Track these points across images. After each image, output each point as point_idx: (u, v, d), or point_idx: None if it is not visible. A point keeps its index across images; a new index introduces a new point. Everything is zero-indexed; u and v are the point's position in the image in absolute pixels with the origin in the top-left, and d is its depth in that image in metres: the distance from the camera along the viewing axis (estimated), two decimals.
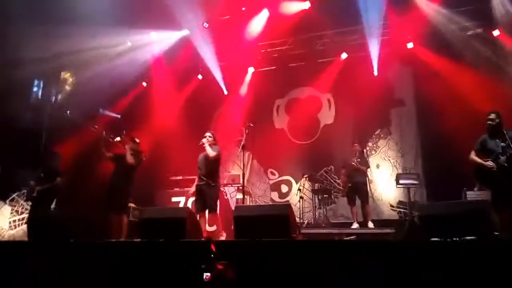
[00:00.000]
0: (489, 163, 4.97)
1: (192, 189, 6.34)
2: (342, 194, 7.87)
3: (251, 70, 10.13)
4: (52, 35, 7.41)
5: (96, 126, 6.57)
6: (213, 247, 3.07)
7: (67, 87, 9.49)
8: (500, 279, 3.12)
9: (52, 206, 6.69)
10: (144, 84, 10.01)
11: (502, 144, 4.92)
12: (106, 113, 9.37)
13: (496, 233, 3.68)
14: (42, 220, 5.34)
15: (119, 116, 9.60)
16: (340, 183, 8.90)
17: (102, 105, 9.16)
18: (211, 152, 6.14)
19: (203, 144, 6.19)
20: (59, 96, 9.22)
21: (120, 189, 6.23)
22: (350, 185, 7.56)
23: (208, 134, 6.35)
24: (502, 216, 4.50)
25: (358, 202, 7.59)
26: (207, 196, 5.95)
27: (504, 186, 4.84)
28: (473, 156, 5.21)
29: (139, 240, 4.67)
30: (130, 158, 6.21)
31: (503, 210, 4.60)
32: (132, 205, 7.54)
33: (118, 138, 6.39)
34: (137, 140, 6.55)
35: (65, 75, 9.57)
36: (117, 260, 4.11)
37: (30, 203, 6.71)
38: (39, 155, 8.17)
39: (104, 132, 6.46)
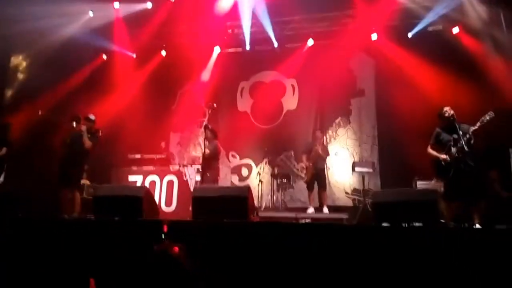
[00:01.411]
0: (443, 156, 5.21)
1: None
2: (305, 179, 8.00)
3: (217, 50, 9.96)
4: None
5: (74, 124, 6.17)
6: (165, 228, 3.03)
7: (20, 75, 8.73)
8: (444, 263, 3.32)
9: (1, 179, 6.37)
10: (105, 57, 9.59)
11: (454, 135, 5.18)
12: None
13: (442, 221, 3.89)
14: None
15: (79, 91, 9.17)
16: (300, 169, 9.07)
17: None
18: (207, 149, 6.77)
19: (205, 139, 6.82)
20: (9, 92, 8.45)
21: (74, 165, 6.02)
22: (313, 171, 7.70)
23: (207, 129, 6.89)
24: (452, 205, 4.76)
25: (315, 188, 7.78)
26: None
27: (455, 176, 5.10)
28: (429, 150, 5.45)
29: (92, 217, 4.55)
30: (87, 142, 6.03)
31: (453, 200, 4.87)
32: (86, 182, 7.33)
33: (74, 123, 6.11)
34: (92, 118, 6.29)
35: (16, 60, 8.85)
36: (68, 238, 3.99)
37: None
38: None
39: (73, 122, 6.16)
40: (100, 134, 6.33)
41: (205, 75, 9.91)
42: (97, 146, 6.36)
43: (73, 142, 6.10)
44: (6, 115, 7.64)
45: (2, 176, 6.55)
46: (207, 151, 6.74)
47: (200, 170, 6.91)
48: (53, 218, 4.94)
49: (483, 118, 5.04)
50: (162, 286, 2.10)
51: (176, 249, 2.20)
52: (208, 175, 6.75)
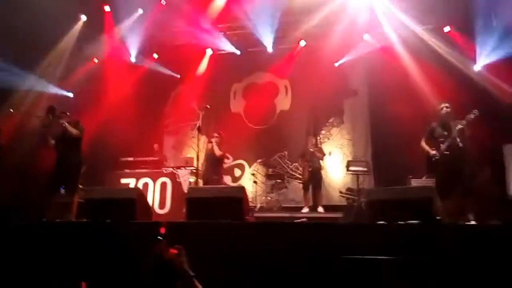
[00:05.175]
0: (433, 152, 5.23)
1: (192, 179, 7.49)
2: (302, 180, 8.05)
3: (209, 52, 9.92)
4: None
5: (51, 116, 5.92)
6: (162, 230, 2.99)
7: None
8: (440, 259, 3.31)
9: None
10: (96, 60, 9.50)
11: (445, 132, 5.21)
12: (54, 91, 8.85)
13: (438, 218, 3.89)
14: None
15: (70, 94, 9.09)
16: (294, 169, 9.08)
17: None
18: (217, 152, 7.04)
19: (212, 143, 7.10)
20: None
21: (68, 168, 5.84)
22: (310, 170, 7.71)
23: (215, 134, 7.25)
24: (445, 202, 4.77)
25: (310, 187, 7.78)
26: None
27: (445, 173, 5.12)
28: (422, 143, 5.48)
29: (84, 220, 4.48)
30: (73, 130, 5.69)
31: (446, 196, 4.88)
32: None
33: (50, 116, 5.83)
34: (67, 113, 5.96)
35: None
36: (63, 241, 3.92)
37: None
38: None
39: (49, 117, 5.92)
40: (81, 123, 5.99)
41: (199, 76, 9.87)
42: (88, 148, 6.18)
43: (61, 141, 5.80)
44: None
45: None
46: (220, 153, 7.04)
47: (205, 173, 6.99)
48: (44, 222, 4.87)
49: (468, 116, 5.10)
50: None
51: (174, 251, 2.17)
52: (216, 177, 6.97)
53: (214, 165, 7.08)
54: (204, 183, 6.81)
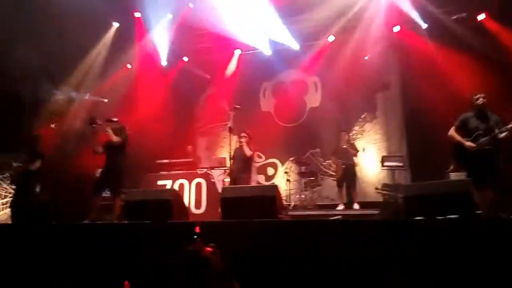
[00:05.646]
0: (469, 143, 5.03)
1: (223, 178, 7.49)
2: (335, 177, 7.98)
3: (237, 52, 10.01)
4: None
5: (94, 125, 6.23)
6: (197, 229, 3.05)
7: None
8: (481, 256, 3.21)
9: (37, 189, 6.58)
10: (129, 66, 9.81)
11: (484, 125, 5.00)
12: (91, 98, 9.23)
13: (478, 212, 3.76)
14: (25, 203, 5.27)
15: (105, 100, 9.44)
16: (327, 166, 9.02)
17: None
18: (248, 152, 6.98)
19: (242, 143, 7.01)
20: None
21: (114, 172, 6.12)
22: (344, 167, 7.64)
23: (243, 134, 7.08)
24: (478, 195, 4.60)
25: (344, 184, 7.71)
26: None
27: (480, 167, 4.91)
28: (453, 132, 5.26)
29: (125, 222, 4.65)
30: (114, 138, 6.03)
31: (479, 190, 4.70)
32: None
33: (94, 126, 6.16)
34: (114, 119, 6.31)
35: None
36: (104, 242, 4.09)
37: (14, 186, 6.59)
38: (22, 138, 7.99)
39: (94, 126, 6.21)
40: (128, 130, 6.33)
41: (228, 77, 9.97)
42: (129, 145, 6.39)
43: (107, 149, 6.14)
44: (37, 127, 7.92)
45: (38, 187, 6.76)
46: (250, 152, 6.98)
47: (234, 172, 6.88)
48: (87, 224, 5.10)
49: None
50: (195, 286, 2.12)
51: (209, 249, 2.22)
52: (245, 176, 6.91)
53: (244, 164, 7.01)
54: (233, 182, 6.72)
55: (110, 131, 6.05)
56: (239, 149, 7.02)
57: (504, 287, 3.06)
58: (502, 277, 3.08)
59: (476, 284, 3.12)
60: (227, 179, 7.67)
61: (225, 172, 7.94)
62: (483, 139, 4.94)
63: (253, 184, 8.71)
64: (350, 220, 5.68)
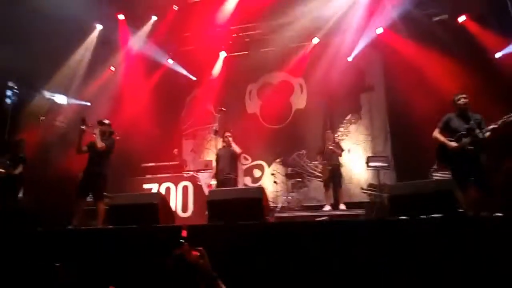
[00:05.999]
0: (452, 144, 5.13)
1: (213, 182, 7.05)
2: (322, 178, 8.00)
3: (223, 54, 10.00)
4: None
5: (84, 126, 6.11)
6: (184, 233, 3.04)
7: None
8: (464, 253, 3.26)
9: (20, 194, 6.46)
10: (112, 68, 9.71)
11: (466, 126, 5.09)
12: (74, 101, 9.10)
13: (461, 210, 3.82)
14: (8, 209, 5.17)
15: (88, 103, 9.33)
16: (313, 167, 9.07)
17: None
18: (237, 149, 6.79)
19: (230, 142, 6.81)
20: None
21: (96, 176, 5.99)
22: (330, 168, 7.70)
23: (228, 134, 6.89)
24: (463, 194, 4.67)
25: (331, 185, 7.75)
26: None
27: (463, 167, 5.00)
28: (436, 133, 5.34)
29: (111, 227, 4.59)
30: (99, 143, 5.89)
31: (462, 189, 4.79)
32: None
33: (83, 127, 6.06)
34: (106, 122, 6.21)
35: None
36: (89, 247, 4.03)
37: None
38: (4, 142, 7.84)
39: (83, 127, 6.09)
40: (117, 136, 6.26)
41: (213, 80, 9.96)
42: (114, 150, 6.31)
43: (91, 150, 6.00)
44: (19, 132, 7.77)
45: (21, 192, 6.64)
46: (240, 150, 6.82)
47: (221, 172, 6.75)
48: (70, 229, 5.01)
49: (505, 118, 4.89)
50: None
51: (196, 253, 2.21)
52: (233, 176, 6.74)
53: (231, 163, 6.79)
54: (221, 184, 6.60)
55: (97, 134, 5.92)
56: (225, 149, 6.89)
57: (487, 284, 3.12)
58: (485, 274, 3.14)
59: (460, 281, 3.18)
60: (213, 182, 7.59)
61: (211, 175, 7.88)
62: (465, 139, 5.04)
63: (240, 184, 8.71)
64: (336, 221, 5.73)
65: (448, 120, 5.30)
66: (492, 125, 4.96)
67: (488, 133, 4.95)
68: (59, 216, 5.62)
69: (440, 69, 7.80)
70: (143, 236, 4.00)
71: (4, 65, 6.87)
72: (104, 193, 5.91)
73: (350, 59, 9.03)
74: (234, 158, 6.83)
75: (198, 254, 2.19)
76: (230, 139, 6.84)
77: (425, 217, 3.72)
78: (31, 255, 4.10)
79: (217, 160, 6.84)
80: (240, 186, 8.88)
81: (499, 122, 4.93)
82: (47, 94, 8.58)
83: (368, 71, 9.38)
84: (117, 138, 6.29)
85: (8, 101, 7.75)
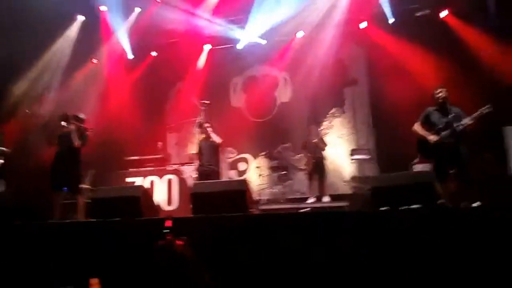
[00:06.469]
0: (431, 137, 5.25)
1: (194, 174, 6.97)
2: (307, 171, 8.06)
3: (207, 47, 9.94)
4: None
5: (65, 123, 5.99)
6: (168, 223, 3.04)
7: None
8: (442, 243, 3.36)
9: (1, 187, 6.34)
10: (95, 60, 9.55)
11: (445, 119, 5.22)
12: (54, 93, 8.93)
13: (440, 201, 3.92)
14: None
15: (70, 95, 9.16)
16: (298, 160, 9.14)
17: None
18: (217, 139, 6.71)
19: (209, 132, 6.68)
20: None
21: (71, 170, 5.93)
22: (314, 161, 7.76)
23: (207, 124, 6.77)
24: (443, 185, 4.81)
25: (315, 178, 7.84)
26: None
27: (443, 159, 5.14)
28: (416, 126, 5.47)
29: (93, 220, 4.55)
30: (76, 141, 5.82)
31: (443, 180, 4.92)
32: (87, 186, 7.30)
33: (63, 123, 5.95)
34: (82, 116, 6.10)
35: None
36: (71, 241, 4.00)
37: None
38: None
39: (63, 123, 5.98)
40: (89, 132, 6.12)
41: (198, 73, 9.90)
42: (93, 150, 6.26)
43: (62, 142, 5.93)
44: None
45: (2, 184, 6.52)
46: (220, 140, 6.72)
47: (203, 164, 6.69)
48: (52, 222, 4.96)
49: (481, 110, 5.05)
50: (167, 280, 2.12)
51: (180, 242, 2.22)
52: (215, 168, 6.70)
53: (212, 155, 6.74)
54: (204, 176, 6.48)
55: (74, 132, 5.84)
56: (205, 140, 6.78)
57: (468, 273, 3.22)
58: (465, 264, 3.24)
59: (442, 271, 3.26)
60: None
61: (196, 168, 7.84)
62: (444, 132, 5.16)
63: (224, 177, 8.70)
64: (319, 212, 5.81)
65: (428, 113, 5.42)
66: (465, 118, 5.10)
67: (466, 124, 5.07)
68: (42, 209, 5.54)
69: (422, 64, 7.94)
70: (127, 229, 3.98)
71: None
72: (87, 186, 5.85)
73: (332, 52, 9.06)
74: (215, 150, 6.79)
75: (182, 243, 2.20)
76: (209, 129, 6.74)
77: (405, 208, 3.81)
78: (11, 248, 4.05)
79: (199, 152, 6.78)
80: (223, 178, 8.88)
81: (475, 114, 5.07)
82: (26, 85, 8.40)
83: (351, 65, 9.46)
84: (89, 133, 6.15)
85: None
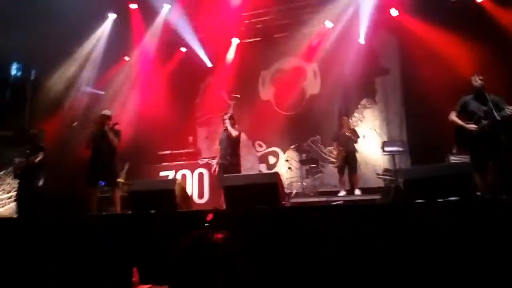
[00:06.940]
0: (471, 126, 5.06)
1: (214, 166, 6.90)
2: (336, 164, 7.98)
3: (235, 41, 9.97)
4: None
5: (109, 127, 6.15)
6: (209, 217, 3.09)
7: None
8: (482, 237, 3.25)
9: (40, 183, 6.62)
10: (127, 58, 9.78)
11: (484, 107, 5.01)
12: (89, 90, 9.22)
13: (478, 193, 3.80)
14: (30, 197, 5.32)
15: (102, 92, 9.45)
16: (328, 153, 9.07)
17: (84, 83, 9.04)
18: (233, 132, 6.51)
19: (226, 125, 6.54)
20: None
21: (109, 164, 6.12)
22: (344, 154, 7.67)
23: (225, 116, 6.64)
24: (482, 177, 4.64)
25: (346, 170, 7.75)
26: (233, 173, 6.04)
27: (483, 149, 4.94)
28: (453, 117, 5.26)
29: (130, 212, 4.70)
30: (114, 140, 6.01)
31: (482, 171, 4.74)
32: (121, 180, 7.54)
33: (106, 127, 6.13)
34: (108, 113, 6.20)
35: None
36: (110, 233, 4.14)
37: (17, 180, 6.64)
38: (24, 132, 8.02)
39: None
40: (117, 126, 6.26)
41: (227, 67, 9.96)
42: (128, 146, 6.42)
43: (97, 141, 6.10)
44: (39, 122, 7.96)
45: (42, 180, 6.80)
46: (236, 132, 6.54)
47: (222, 158, 6.60)
48: (92, 215, 5.15)
49: None
50: (206, 271, 2.18)
51: (219, 235, 2.27)
52: (233, 161, 6.51)
53: (230, 148, 6.55)
54: (221, 169, 6.42)
55: (109, 132, 6.02)
56: (224, 132, 6.68)
57: (504, 269, 3.11)
58: (502, 258, 3.13)
59: (477, 265, 3.17)
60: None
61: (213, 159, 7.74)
62: (483, 121, 4.96)
63: (246, 170, 8.65)
64: (351, 205, 5.73)
65: (465, 102, 5.21)
66: (509, 107, 4.87)
67: (504, 115, 4.86)
68: (80, 203, 5.76)
69: (457, 51, 7.66)
70: (164, 221, 4.08)
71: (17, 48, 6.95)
72: (122, 180, 6.04)
73: (362, 41, 8.87)
74: (232, 142, 6.57)
75: (221, 236, 2.24)
76: (227, 122, 6.59)
77: (442, 200, 3.71)
78: (52, 241, 4.23)
79: (220, 144, 6.75)
80: (252, 172, 8.91)
81: None
82: (62, 83, 8.72)
83: (383, 54, 9.23)
84: (118, 127, 6.29)
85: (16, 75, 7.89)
